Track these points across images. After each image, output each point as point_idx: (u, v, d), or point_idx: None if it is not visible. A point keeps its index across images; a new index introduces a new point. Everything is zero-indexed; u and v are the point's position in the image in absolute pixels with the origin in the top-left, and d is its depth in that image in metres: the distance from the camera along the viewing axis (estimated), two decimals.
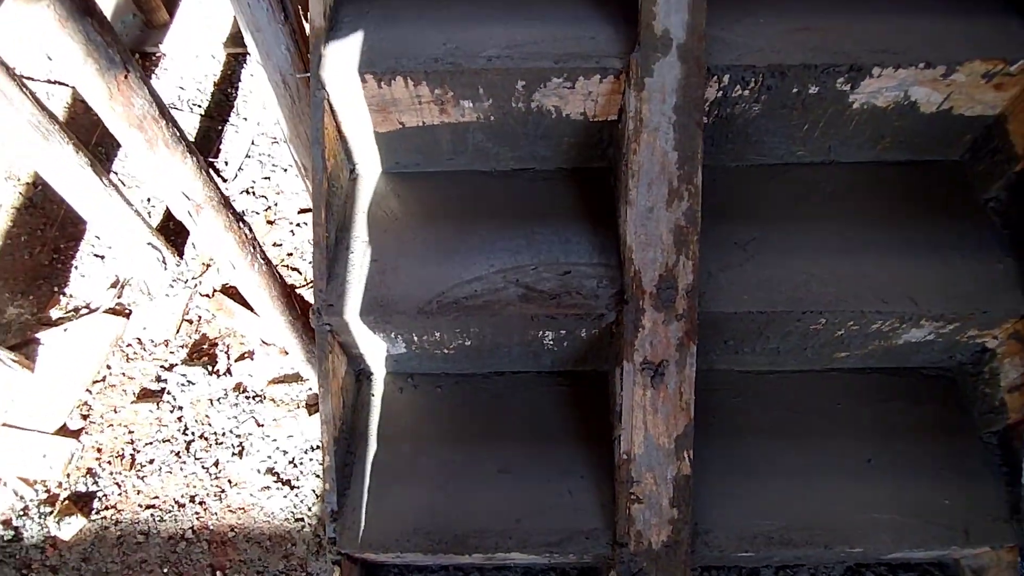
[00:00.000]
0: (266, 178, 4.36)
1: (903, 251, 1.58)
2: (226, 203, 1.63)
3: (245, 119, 4.85)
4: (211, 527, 2.85)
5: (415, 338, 1.58)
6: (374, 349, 1.64)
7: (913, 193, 1.68)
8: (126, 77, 1.18)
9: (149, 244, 3.23)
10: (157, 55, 5.28)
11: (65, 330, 3.27)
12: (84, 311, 3.40)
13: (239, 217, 1.72)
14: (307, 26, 1.64)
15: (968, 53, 1.44)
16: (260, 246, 1.84)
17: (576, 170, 1.73)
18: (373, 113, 1.56)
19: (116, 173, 4.08)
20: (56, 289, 3.54)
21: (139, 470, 2.98)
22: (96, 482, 2.96)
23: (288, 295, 2.02)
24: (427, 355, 1.67)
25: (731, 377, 1.72)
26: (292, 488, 2.92)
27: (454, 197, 1.71)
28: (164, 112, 1.33)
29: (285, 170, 4.39)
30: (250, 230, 1.76)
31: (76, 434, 3.04)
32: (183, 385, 3.16)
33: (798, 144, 1.67)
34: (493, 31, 1.52)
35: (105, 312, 3.36)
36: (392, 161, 1.72)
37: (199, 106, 5.04)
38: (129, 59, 1.19)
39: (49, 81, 4.69)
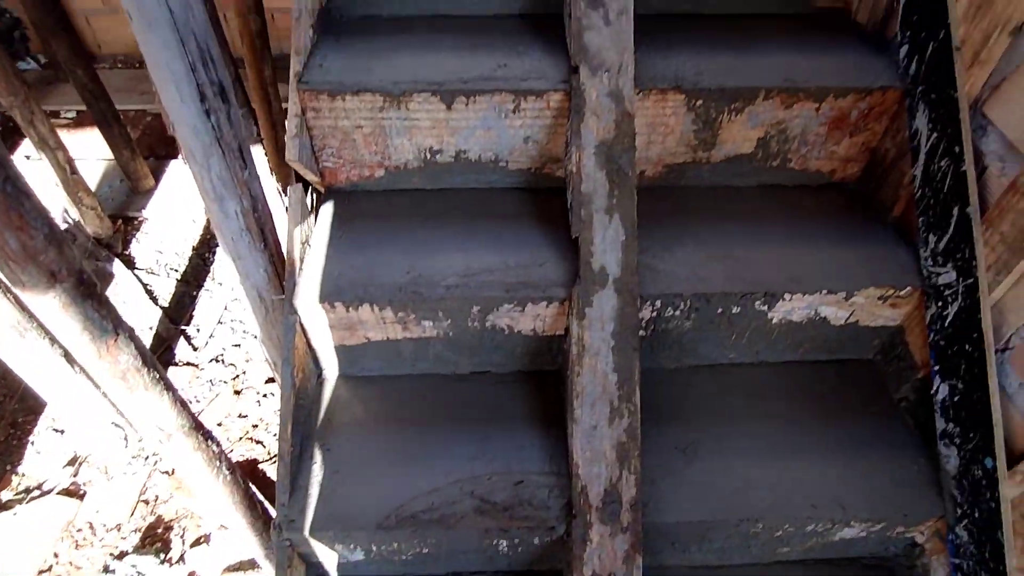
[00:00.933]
0: (236, 345, 4.44)
1: (829, 452, 1.71)
2: (197, 426, 1.72)
3: (220, 284, 5.00)
4: None
5: (373, 548, 1.62)
6: (333, 557, 1.67)
7: (836, 391, 1.85)
8: (116, 341, 1.31)
9: (113, 423, 3.23)
10: (140, 219, 5.52)
11: (15, 514, 3.17)
12: (36, 492, 3.32)
13: (208, 435, 1.80)
14: (284, 248, 1.82)
15: (864, 282, 1.66)
16: (227, 457, 1.91)
17: (530, 373, 1.88)
18: (340, 330, 1.70)
19: None
20: (9, 467, 3.45)
21: None
22: None
23: (251, 498, 2.05)
24: (385, 561, 1.70)
25: (681, 574, 1.77)
26: None
27: (415, 400, 1.82)
28: (147, 360, 1.46)
29: (255, 336, 4.48)
30: (218, 445, 1.83)
31: None
32: None
33: (729, 349, 1.85)
34: (452, 258, 1.71)
35: (58, 494, 3.29)
36: (358, 367, 1.85)
37: (175, 270, 5.20)
38: (120, 322, 1.32)
39: None
